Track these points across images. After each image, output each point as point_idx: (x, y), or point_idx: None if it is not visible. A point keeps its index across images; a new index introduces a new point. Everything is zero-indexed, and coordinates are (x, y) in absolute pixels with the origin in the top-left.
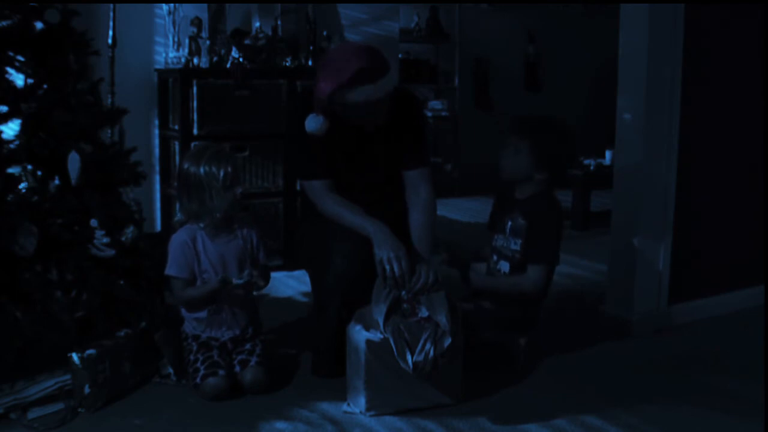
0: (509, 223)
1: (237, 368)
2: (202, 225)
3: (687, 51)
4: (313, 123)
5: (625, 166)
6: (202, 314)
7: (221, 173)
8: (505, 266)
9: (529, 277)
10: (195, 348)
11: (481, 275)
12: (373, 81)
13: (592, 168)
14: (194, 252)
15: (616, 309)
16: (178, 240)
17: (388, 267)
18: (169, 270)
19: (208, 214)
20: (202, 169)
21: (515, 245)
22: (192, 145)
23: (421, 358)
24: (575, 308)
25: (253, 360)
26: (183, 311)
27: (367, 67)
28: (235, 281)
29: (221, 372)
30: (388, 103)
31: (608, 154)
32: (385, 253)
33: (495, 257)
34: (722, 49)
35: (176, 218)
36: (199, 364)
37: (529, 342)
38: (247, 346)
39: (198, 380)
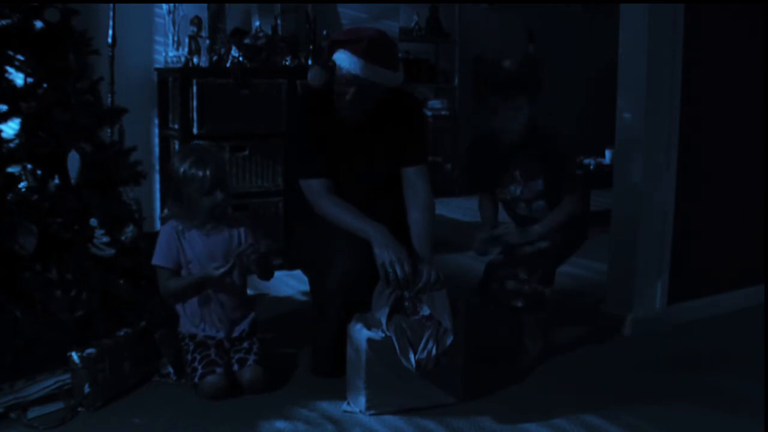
0: (517, 171)
1: (235, 367)
2: (180, 221)
3: (687, 51)
4: (312, 73)
5: (625, 165)
6: (195, 309)
7: (199, 176)
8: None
9: (573, 203)
10: (192, 347)
11: (523, 231)
12: (394, 68)
13: (592, 167)
14: (179, 243)
15: (615, 308)
16: (165, 231)
17: (390, 270)
18: (155, 260)
19: (188, 218)
20: (181, 171)
21: (540, 186)
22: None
23: (424, 356)
24: (575, 308)
25: (251, 359)
26: (178, 308)
27: (388, 51)
28: (216, 272)
29: (219, 370)
30: (375, 102)
31: (608, 153)
32: (387, 256)
33: (520, 206)
34: (722, 49)
35: (164, 213)
36: (196, 364)
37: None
38: (245, 345)
39: (196, 379)
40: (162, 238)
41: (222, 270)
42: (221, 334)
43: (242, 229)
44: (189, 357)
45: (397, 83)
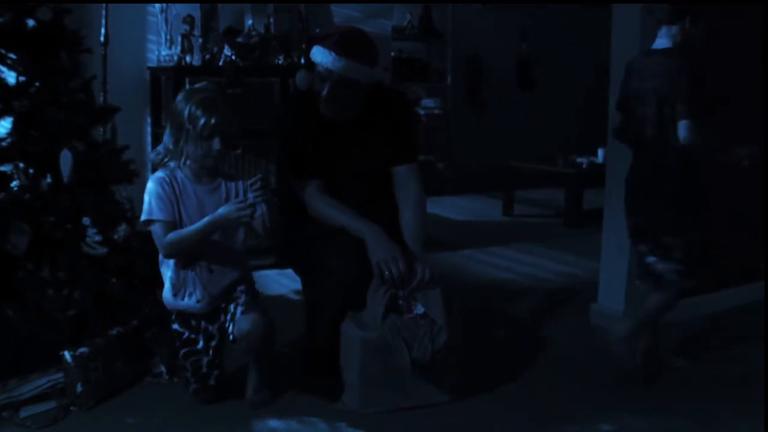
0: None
1: (230, 328)
2: (173, 166)
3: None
4: (299, 77)
5: (617, 164)
6: (178, 273)
7: (202, 120)
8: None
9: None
10: (179, 344)
11: None
12: (369, 63)
13: (584, 166)
14: (174, 194)
15: (608, 307)
16: (156, 180)
17: (385, 269)
18: (150, 214)
19: (178, 158)
20: (186, 109)
21: None
22: None
23: (419, 354)
24: (568, 306)
25: (238, 311)
26: (162, 271)
27: (361, 46)
28: (237, 212)
29: (211, 382)
30: (362, 97)
31: (600, 152)
32: (382, 255)
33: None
34: (715, 48)
35: (153, 155)
36: (189, 375)
37: None
38: (230, 307)
39: (189, 390)
40: (153, 190)
41: (245, 211)
42: (201, 306)
43: (240, 183)
44: (181, 361)
45: (373, 80)
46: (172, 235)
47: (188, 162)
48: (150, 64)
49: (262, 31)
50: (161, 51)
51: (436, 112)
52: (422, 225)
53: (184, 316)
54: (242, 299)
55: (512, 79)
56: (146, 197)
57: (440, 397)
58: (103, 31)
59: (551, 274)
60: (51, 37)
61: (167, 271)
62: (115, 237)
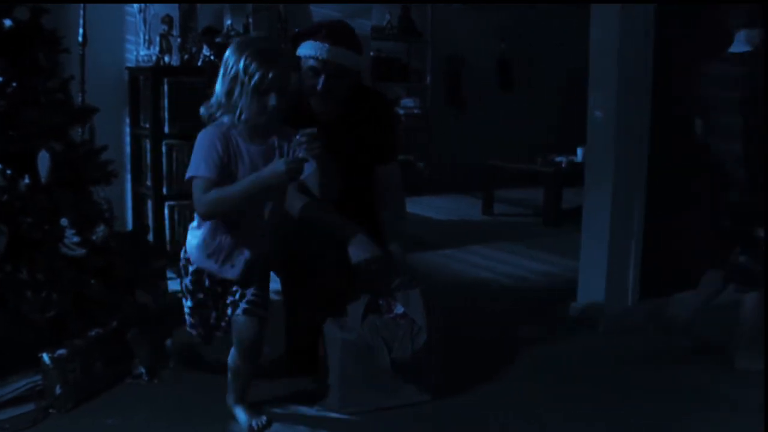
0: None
1: (229, 310)
2: (227, 122)
3: (657, 49)
4: None
5: (596, 163)
6: (217, 236)
7: (258, 73)
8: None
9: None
10: (188, 299)
11: None
12: (356, 50)
13: (563, 165)
14: (228, 150)
15: (587, 305)
16: (209, 134)
17: (365, 269)
18: (197, 170)
19: (232, 113)
20: (241, 61)
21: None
22: (163, 142)
23: (399, 354)
24: (547, 305)
25: (240, 307)
26: (201, 232)
27: (349, 34)
28: (287, 164)
29: (219, 334)
30: (347, 91)
31: (579, 151)
32: (362, 255)
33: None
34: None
35: (202, 108)
36: (197, 321)
37: None
38: (236, 290)
39: (195, 335)
40: (202, 143)
41: (294, 165)
42: (235, 273)
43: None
44: (187, 316)
45: (363, 67)
46: (214, 192)
47: (243, 117)
48: (128, 64)
49: (241, 31)
50: (140, 51)
51: (416, 111)
52: (401, 224)
53: (199, 275)
54: (249, 293)
55: (492, 79)
56: (196, 150)
57: (421, 397)
58: (81, 30)
59: (531, 272)
60: (28, 37)
61: (198, 229)
62: (94, 238)
